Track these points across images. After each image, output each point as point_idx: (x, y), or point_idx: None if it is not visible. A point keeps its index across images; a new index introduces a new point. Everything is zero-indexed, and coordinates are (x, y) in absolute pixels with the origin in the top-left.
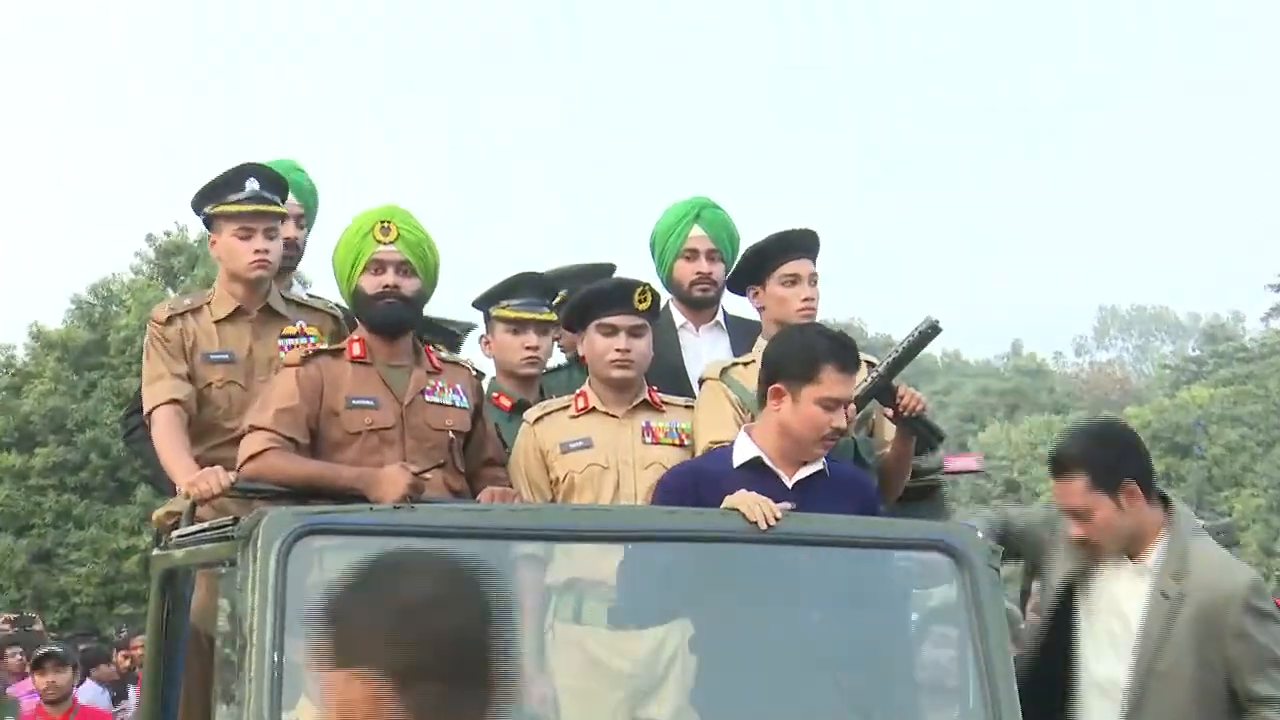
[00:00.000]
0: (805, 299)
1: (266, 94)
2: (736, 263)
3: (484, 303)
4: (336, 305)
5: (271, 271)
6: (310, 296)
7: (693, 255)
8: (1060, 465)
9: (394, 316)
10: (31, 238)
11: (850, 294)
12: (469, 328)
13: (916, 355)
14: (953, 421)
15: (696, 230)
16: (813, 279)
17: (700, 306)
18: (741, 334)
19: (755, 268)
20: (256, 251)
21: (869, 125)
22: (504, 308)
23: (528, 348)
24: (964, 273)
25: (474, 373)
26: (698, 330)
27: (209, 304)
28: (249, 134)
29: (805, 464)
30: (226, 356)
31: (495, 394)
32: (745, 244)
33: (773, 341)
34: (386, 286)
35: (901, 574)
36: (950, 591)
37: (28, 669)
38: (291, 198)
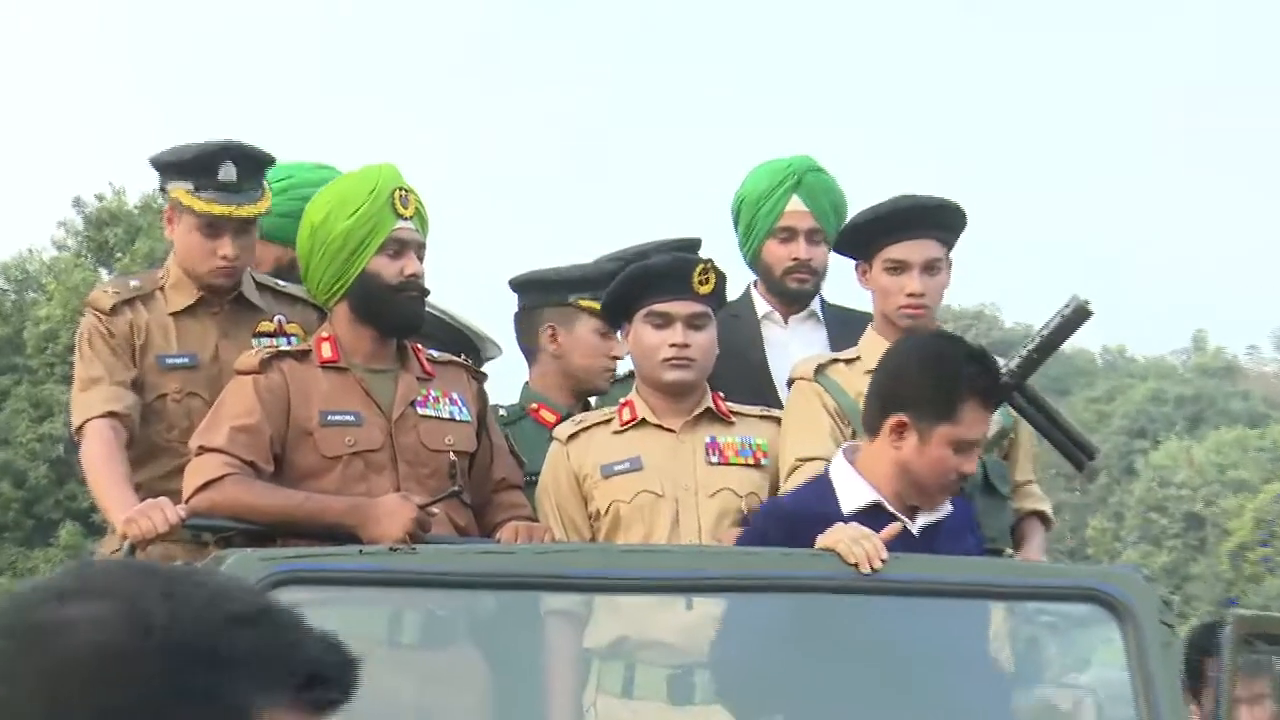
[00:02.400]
0: (910, 294)
1: (262, 61)
2: (840, 230)
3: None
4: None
5: (238, 277)
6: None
7: (789, 235)
8: None
9: (418, 314)
10: None
11: (981, 276)
12: (495, 350)
13: (1060, 346)
14: (1117, 437)
15: (795, 202)
16: (930, 267)
17: (796, 300)
18: (843, 328)
19: (861, 241)
20: (222, 257)
21: (1004, 79)
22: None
23: (613, 357)
24: (1129, 249)
25: (473, 374)
26: (786, 321)
27: (163, 289)
28: (211, 82)
29: (922, 510)
30: (186, 360)
31: (535, 405)
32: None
33: (896, 356)
34: (411, 275)
35: (1047, 633)
36: (1111, 655)
37: None
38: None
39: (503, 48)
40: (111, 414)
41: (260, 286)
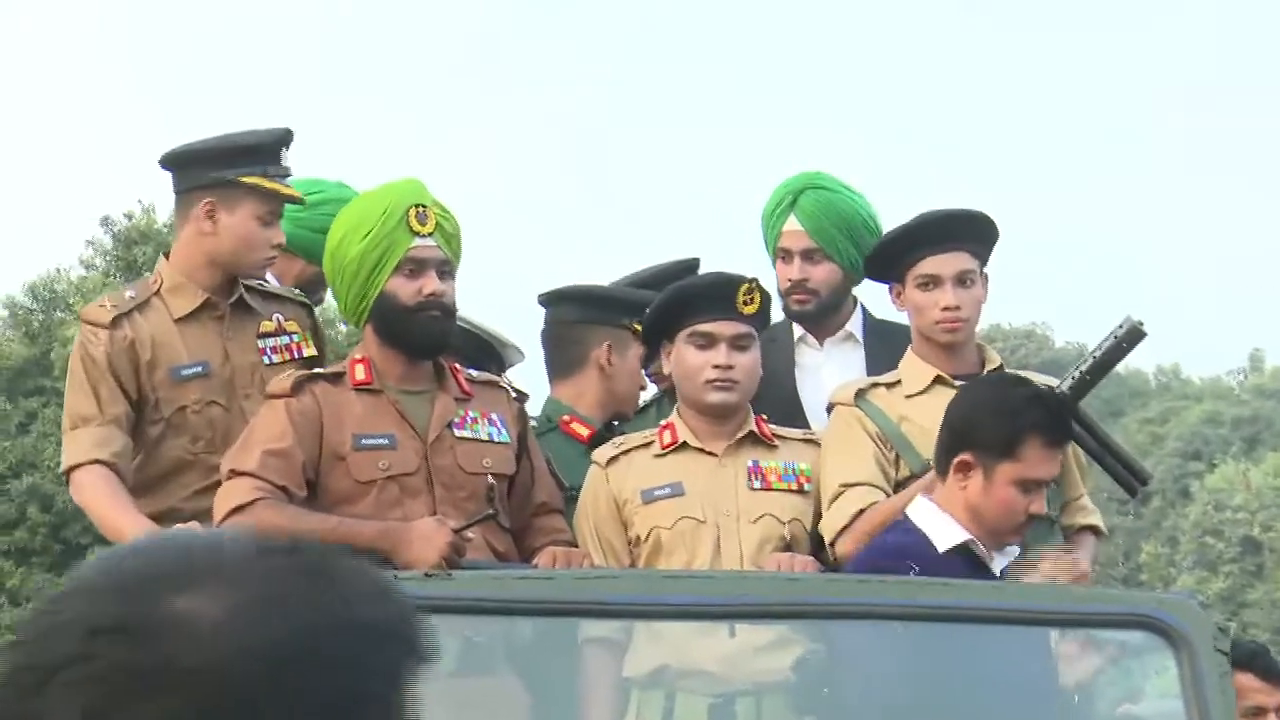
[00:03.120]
0: (945, 308)
1: (262, 61)
2: (869, 254)
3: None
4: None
5: None
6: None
7: (786, 256)
8: None
9: (439, 334)
10: None
11: (1031, 295)
12: (518, 356)
13: (1113, 368)
14: (1171, 459)
15: (791, 222)
16: (963, 279)
17: (801, 321)
18: (883, 342)
19: (890, 261)
20: (275, 245)
21: (1052, 93)
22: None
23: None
24: (1183, 265)
25: (513, 394)
26: (822, 344)
27: (159, 295)
28: (227, 95)
29: (998, 552)
30: (200, 369)
31: (566, 417)
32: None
33: (962, 396)
34: (430, 295)
35: (1098, 660)
36: (1165, 684)
37: None
38: None
39: (503, 48)
40: (98, 461)
41: (248, 289)
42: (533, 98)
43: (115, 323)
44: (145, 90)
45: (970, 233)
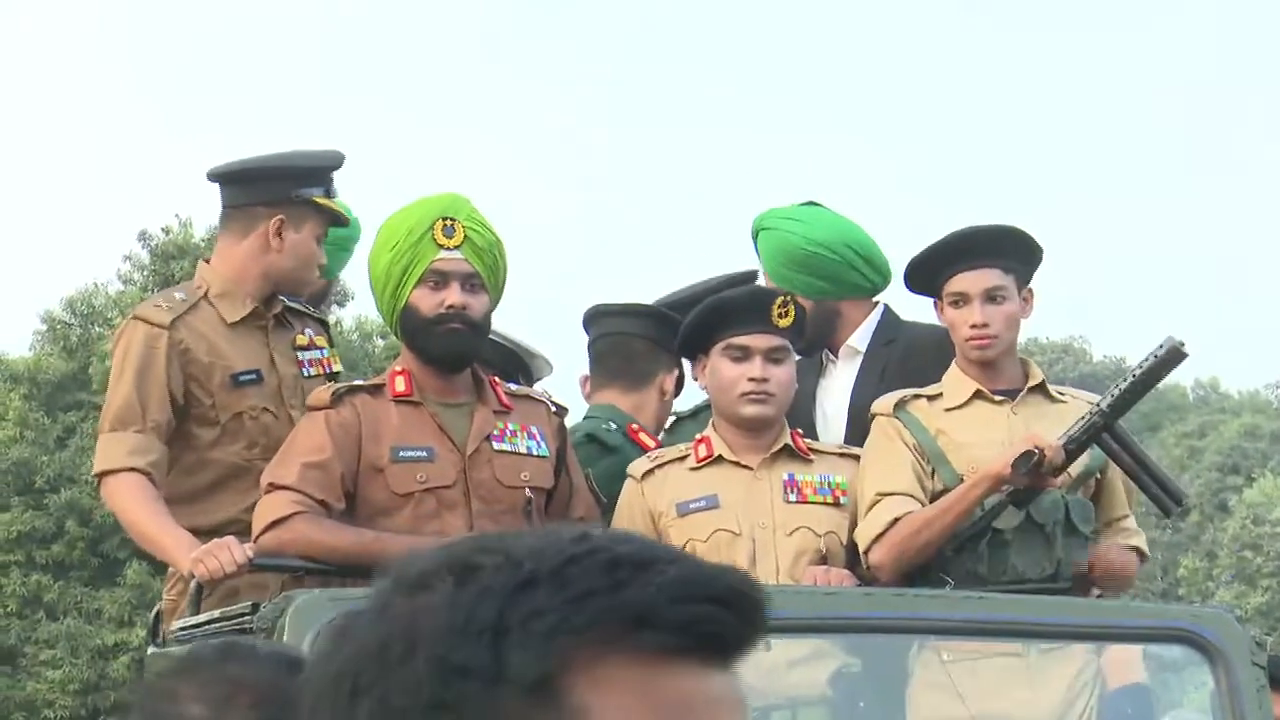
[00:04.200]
0: (974, 325)
1: (262, 61)
2: (905, 269)
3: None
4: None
5: None
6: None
7: None
8: None
9: (458, 347)
10: None
11: (1072, 309)
12: (546, 368)
13: (1153, 387)
14: (1209, 474)
15: (761, 264)
16: (992, 296)
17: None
18: (886, 350)
19: (927, 278)
20: (319, 265)
21: (1098, 110)
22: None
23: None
24: (1220, 280)
25: (553, 408)
26: (837, 358)
27: (209, 300)
28: (227, 96)
29: None
30: (254, 376)
31: (635, 426)
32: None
33: None
34: (450, 307)
35: (1136, 674)
36: (1202, 699)
37: None
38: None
39: (503, 48)
40: (134, 469)
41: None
42: (533, 98)
43: (174, 325)
44: (145, 91)
45: (1000, 249)
